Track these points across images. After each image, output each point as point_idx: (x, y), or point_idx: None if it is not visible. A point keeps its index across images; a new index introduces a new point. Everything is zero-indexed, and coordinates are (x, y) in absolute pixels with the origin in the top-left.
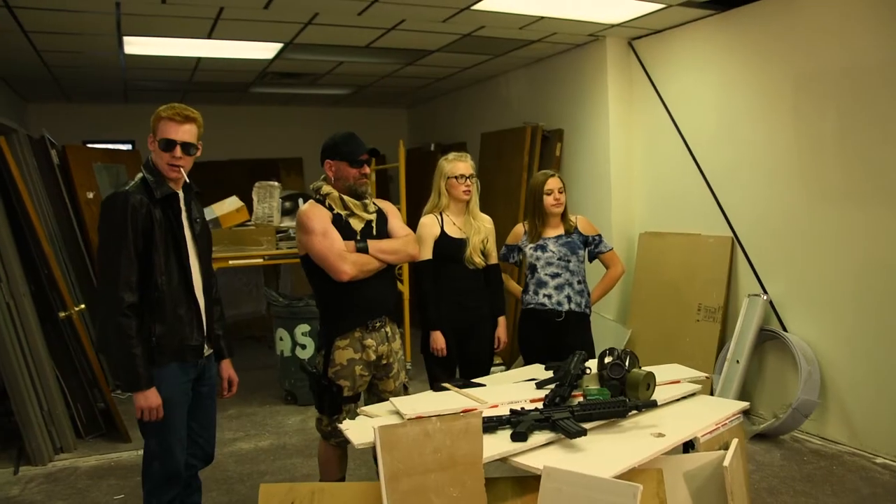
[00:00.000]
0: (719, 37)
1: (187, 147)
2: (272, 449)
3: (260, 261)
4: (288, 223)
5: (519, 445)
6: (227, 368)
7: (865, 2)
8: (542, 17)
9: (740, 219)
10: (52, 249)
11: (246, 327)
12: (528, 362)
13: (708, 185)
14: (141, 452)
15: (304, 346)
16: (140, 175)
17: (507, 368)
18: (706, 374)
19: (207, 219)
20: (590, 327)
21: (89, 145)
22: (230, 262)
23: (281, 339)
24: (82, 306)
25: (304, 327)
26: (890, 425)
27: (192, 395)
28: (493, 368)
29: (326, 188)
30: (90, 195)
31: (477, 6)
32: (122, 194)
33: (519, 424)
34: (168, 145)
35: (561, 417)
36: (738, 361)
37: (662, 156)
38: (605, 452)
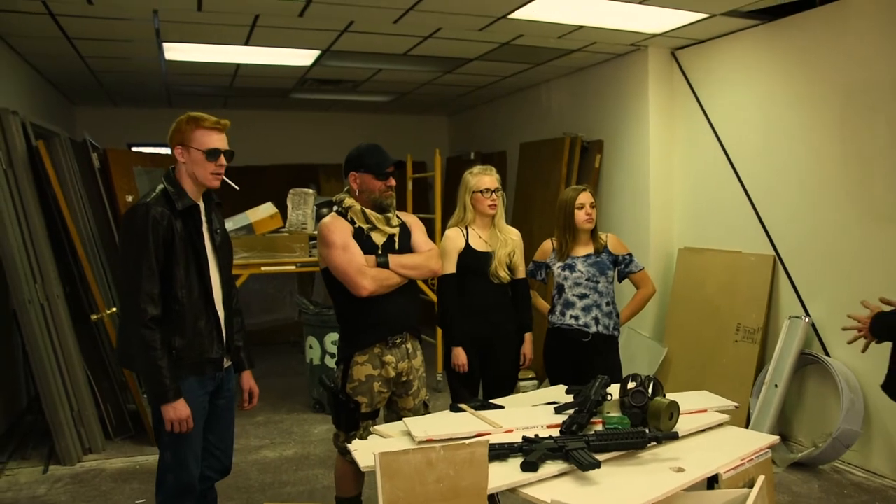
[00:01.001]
0: (764, 48)
1: (230, 155)
2: (296, 458)
3: (292, 268)
4: None
5: (529, 475)
6: (247, 380)
7: None
8: (582, 27)
9: (783, 237)
10: (88, 252)
11: (279, 333)
12: (553, 383)
13: (750, 201)
14: None
15: (333, 355)
16: (161, 186)
17: (540, 384)
18: (735, 404)
19: (242, 224)
20: (618, 350)
21: (133, 149)
22: (262, 268)
23: (311, 346)
24: (114, 309)
25: (334, 336)
26: None
27: (210, 408)
28: (524, 383)
29: (349, 201)
30: (129, 198)
31: (514, 15)
32: (142, 206)
33: (531, 453)
34: (214, 154)
35: (575, 447)
36: (776, 386)
37: (703, 170)
38: (618, 487)
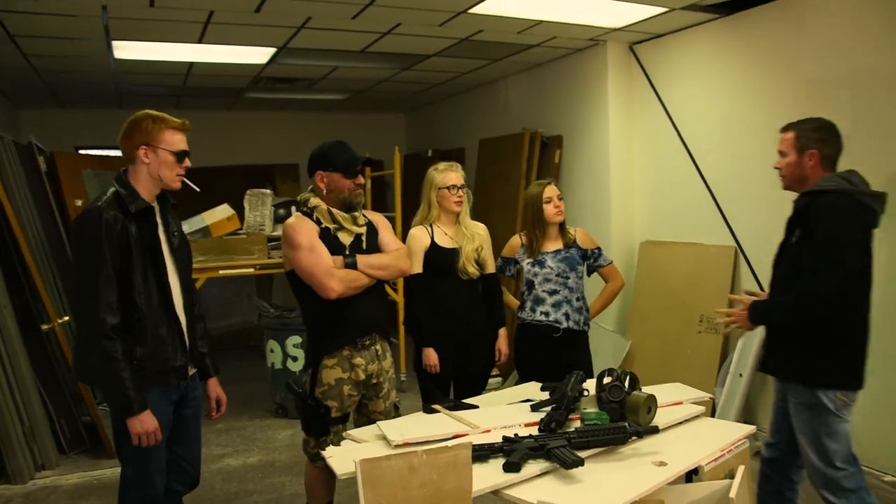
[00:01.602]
0: (722, 42)
1: (189, 155)
2: (261, 466)
3: (251, 270)
4: (279, 231)
5: (511, 476)
6: (214, 387)
7: (872, 6)
8: (541, 21)
9: (744, 228)
10: (37, 259)
11: (237, 338)
12: (523, 379)
13: (711, 194)
14: None
15: (295, 359)
16: (112, 189)
17: (504, 381)
18: (710, 395)
19: (198, 227)
20: (588, 345)
21: (81, 151)
22: (220, 271)
23: (272, 350)
24: (66, 318)
25: (296, 339)
26: None
27: (175, 418)
28: (489, 381)
29: (314, 200)
30: (79, 203)
31: (474, 10)
32: (94, 210)
33: (512, 453)
34: (183, 156)
35: (557, 445)
36: (741, 375)
37: (664, 163)
38: (603, 484)
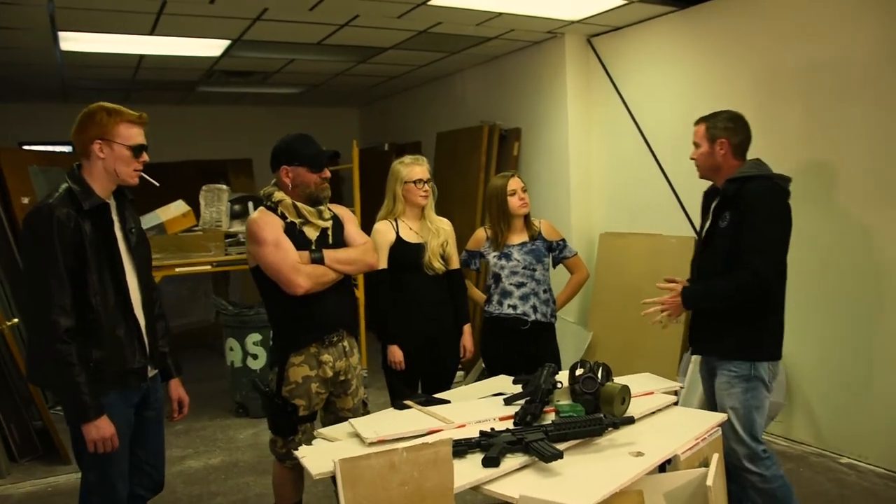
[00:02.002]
0: (680, 34)
1: (147, 150)
2: (224, 467)
3: (208, 268)
4: (237, 227)
5: (491, 471)
6: (176, 388)
7: None
8: (500, 14)
9: None
10: None
11: (194, 336)
12: (491, 373)
13: (670, 185)
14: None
15: (255, 357)
16: (65, 185)
17: (467, 375)
18: (680, 385)
19: (152, 224)
20: (555, 337)
21: (25, 147)
22: (176, 269)
23: (231, 349)
24: (15, 320)
25: (256, 336)
26: (853, 425)
27: (136, 421)
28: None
29: (279, 195)
30: (25, 200)
31: (433, 1)
32: (45, 208)
33: (490, 448)
34: (140, 150)
35: (534, 439)
36: (690, 353)
37: (623, 155)
38: (583, 476)
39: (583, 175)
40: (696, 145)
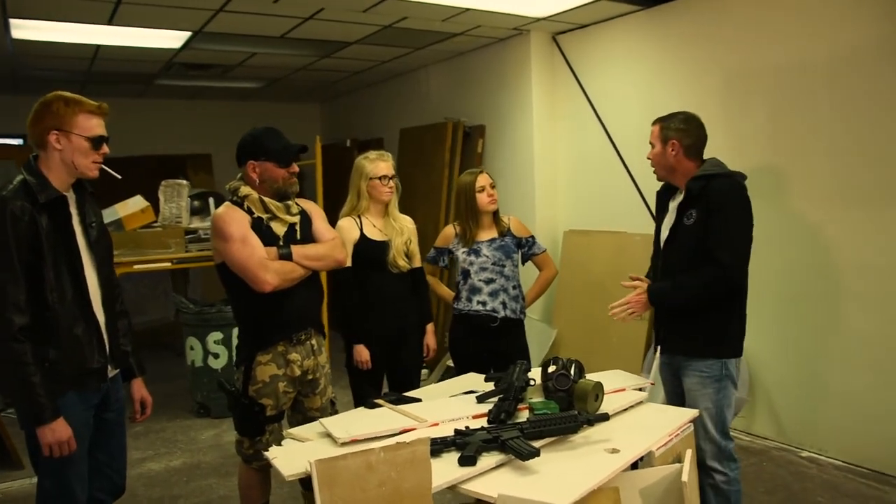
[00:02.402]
0: (644, 33)
1: (108, 141)
2: (185, 469)
3: (168, 265)
4: (197, 224)
5: (468, 470)
6: (138, 388)
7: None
8: (468, 9)
9: None
10: None
11: (151, 335)
12: (460, 370)
13: (634, 183)
14: (35, 480)
15: (216, 356)
16: (19, 177)
17: (431, 372)
18: (650, 381)
19: (110, 220)
20: (524, 334)
21: None
22: (135, 266)
23: (192, 348)
24: None
25: (217, 335)
26: (812, 419)
27: (96, 422)
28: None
29: (245, 189)
30: None
31: None
32: None
33: (466, 447)
34: (99, 142)
35: (510, 437)
36: (654, 354)
37: (587, 153)
38: (559, 474)
39: (547, 172)
40: (652, 145)
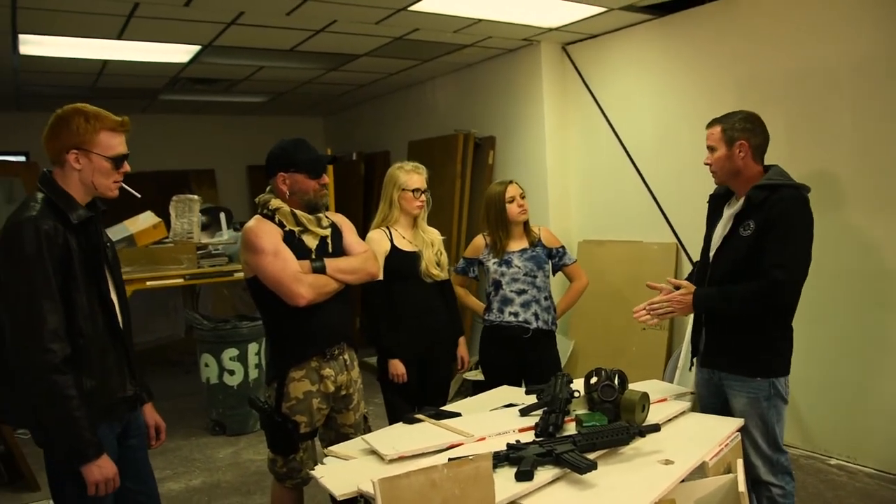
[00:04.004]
0: (656, 42)
1: (128, 158)
2: (206, 488)
3: (180, 281)
4: (207, 239)
5: (526, 486)
6: (151, 414)
7: (806, 5)
8: (480, 20)
9: (684, 225)
10: None
11: (159, 353)
12: (492, 382)
13: (650, 191)
14: (51, 503)
15: (232, 372)
16: (41, 196)
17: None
18: (691, 391)
19: (122, 236)
20: (556, 345)
21: None
22: (148, 283)
23: (206, 364)
24: None
25: (232, 352)
26: (841, 426)
27: (121, 451)
28: None
29: (276, 202)
30: None
31: (415, 7)
32: (28, 221)
33: (521, 461)
34: (121, 161)
35: (565, 450)
36: (690, 369)
37: (600, 162)
38: (618, 487)
39: (560, 183)
40: (712, 149)
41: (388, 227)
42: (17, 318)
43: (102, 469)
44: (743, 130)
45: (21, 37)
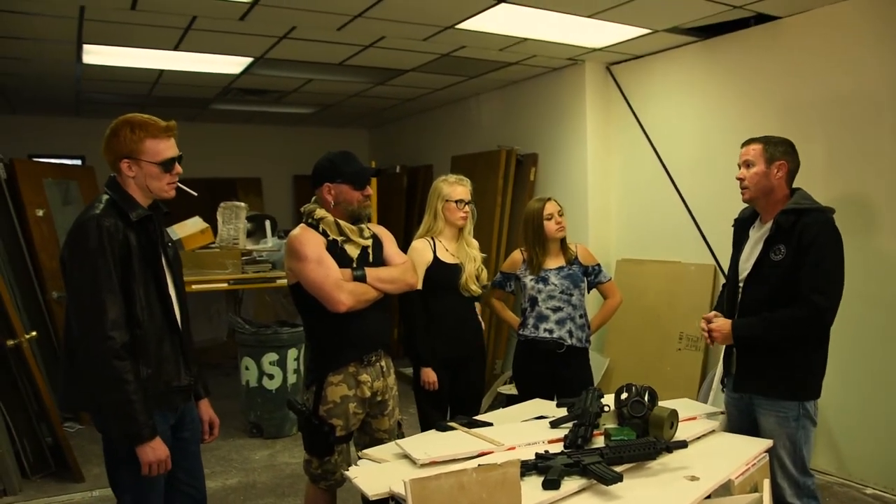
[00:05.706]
0: (700, 64)
1: (181, 159)
2: (241, 488)
3: (224, 285)
4: (251, 246)
5: (552, 494)
6: (206, 409)
7: (850, 30)
8: (526, 39)
9: (723, 246)
10: (2, 271)
11: (203, 354)
12: (524, 395)
13: (689, 213)
14: (96, 493)
15: (271, 377)
16: (105, 196)
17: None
18: (721, 410)
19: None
20: (589, 362)
21: (35, 160)
22: (193, 286)
23: (247, 368)
24: (34, 333)
25: (272, 356)
26: (877, 455)
27: (175, 442)
28: None
29: (320, 212)
30: (40, 213)
31: (462, 25)
32: (92, 219)
33: (549, 471)
34: (170, 164)
35: (592, 462)
36: (723, 390)
37: (641, 182)
38: (643, 500)
39: (600, 202)
40: (749, 164)
41: (432, 238)
42: (82, 307)
43: (156, 450)
44: (784, 153)
45: (85, 47)
